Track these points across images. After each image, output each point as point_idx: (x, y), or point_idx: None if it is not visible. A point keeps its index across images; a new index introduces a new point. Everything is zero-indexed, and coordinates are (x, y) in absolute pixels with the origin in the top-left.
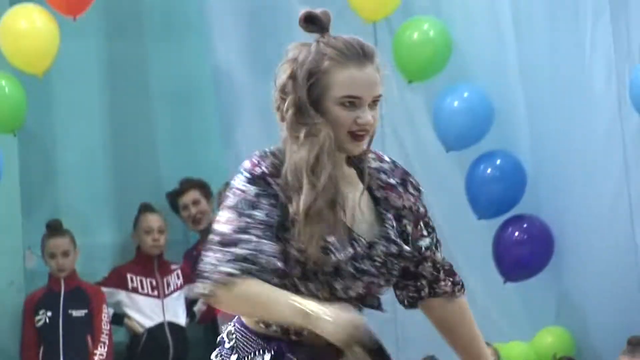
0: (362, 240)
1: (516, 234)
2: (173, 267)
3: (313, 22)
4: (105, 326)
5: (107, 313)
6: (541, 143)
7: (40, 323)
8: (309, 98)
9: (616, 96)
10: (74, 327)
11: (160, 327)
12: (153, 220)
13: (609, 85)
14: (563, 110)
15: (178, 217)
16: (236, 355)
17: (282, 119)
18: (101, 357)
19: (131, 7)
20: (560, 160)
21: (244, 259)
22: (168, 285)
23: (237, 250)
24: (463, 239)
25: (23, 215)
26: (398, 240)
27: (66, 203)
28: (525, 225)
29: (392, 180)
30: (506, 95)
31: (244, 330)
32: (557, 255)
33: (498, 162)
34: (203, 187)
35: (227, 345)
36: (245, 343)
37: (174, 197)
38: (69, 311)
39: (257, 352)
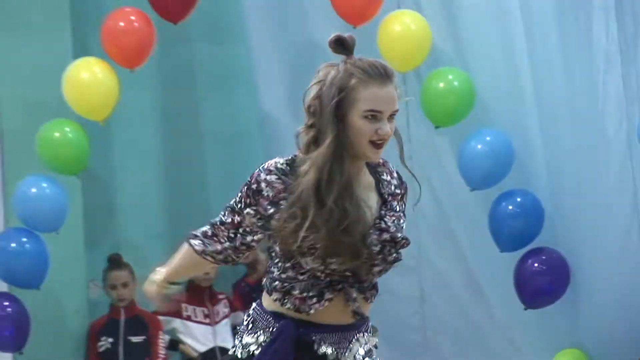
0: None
1: (535, 265)
2: (220, 296)
3: (342, 45)
4: (162, 351)
5: (163, 339)
6: (558, 182)
7: (102, 348)
8: (336, 112)
9: (626, 137)
10: (133, 352)
11: (212, 351)
12: None
13: (620, 126)
14: (578, 151)
15: None
16: (251, 331)
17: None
18: None
19: (185, 60)
20: (575, 197)
21: (194, 236)
22: (217, 313)
23: (205, 231)
24: (487, 269)
25: (86, 250)
26: (391, 227)
27: (125, 238)
28: (543, 257)
29: (398, 191)
30: (526, 138)
31: (259, 309)
32: (573, 283)
33: (518, 199)
34: None
35: (244, 324)
36: (259, 320)
37: None
38: (129, 337)
39: (267, 328)
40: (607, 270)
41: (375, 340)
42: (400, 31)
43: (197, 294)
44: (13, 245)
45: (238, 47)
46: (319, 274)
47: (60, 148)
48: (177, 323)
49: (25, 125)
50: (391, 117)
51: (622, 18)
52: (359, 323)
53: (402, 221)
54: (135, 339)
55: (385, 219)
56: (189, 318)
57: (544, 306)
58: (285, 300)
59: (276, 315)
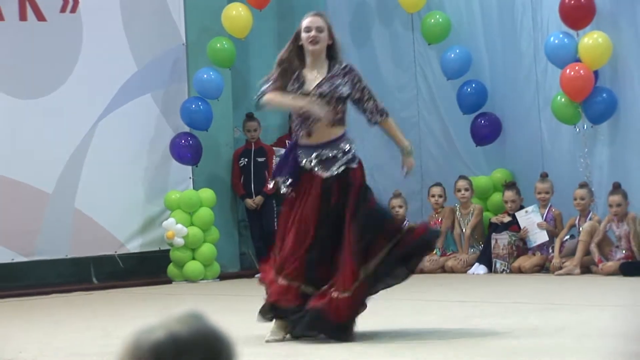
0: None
1: (482, 121)
2: None
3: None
4: (274, 167)
5: (275, 160)
6: (495, 74)
7: (242, 164)
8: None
9: (533, 51)
10: (259, 167)
11: None
12: None
13: (530, 44)
14: (507, 58)
15: None
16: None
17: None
18: (272, 183)
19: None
20: (504, 83)
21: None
22: None
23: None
24: (455, 125)
25: (233, 109)
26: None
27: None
28: (487, 117)
29: (343, 71)
30: (478, 49)
31: (294, 145)
32: (503, 133)
33: (473, 85)
34: None
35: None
36: (287, 149)
37: None
38: (256, 158)
39: (300, 156)
40: (522, 125)
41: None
42: None
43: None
44: (193, 106)
45: None
46: (295, 118)
47: (219, 52)
48: (282, 151)
49: (201, 39)
50: (317, 30)
51: None
52: (328, 142)
53: (339, 85)
54: (259, 159)
55: (323, 84)
56: None
57: (486, 144)
58: (294, 135)
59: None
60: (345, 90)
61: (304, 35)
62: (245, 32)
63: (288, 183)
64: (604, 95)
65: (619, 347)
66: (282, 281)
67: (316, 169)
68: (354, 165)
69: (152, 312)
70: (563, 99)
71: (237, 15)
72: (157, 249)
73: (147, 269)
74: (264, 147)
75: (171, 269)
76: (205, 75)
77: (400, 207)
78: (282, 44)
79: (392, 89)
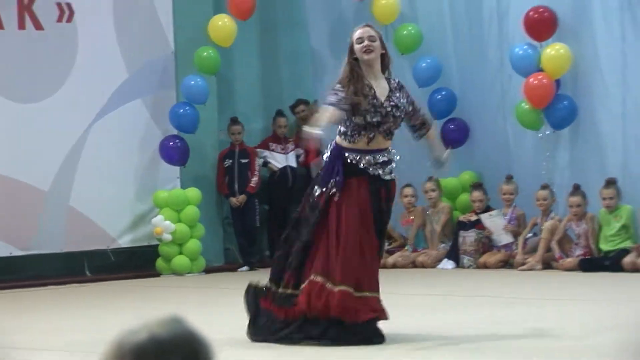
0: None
1: (451, 126)
2: (290, 139)
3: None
4: (256, 167)
5: (257, 162)
6: (464, 82)
7: (226, 165)
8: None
9: (499, 61)
10: (242, 168)
11: (284, 168)
12: (282, 121)
13: (497, 56)
14: (475, 66)
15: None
16: (330, 160)
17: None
18: (254, 182)
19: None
20: (465, 89)
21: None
22: (287, 148)
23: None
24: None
25: (218, 113)
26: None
27: (239, 109)
28: (455, 123)
29: (398, 86)
30: (448, 59)
31: (335, 146)
32: (470, 137)
33: (443, 92)
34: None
35: (326, 155)
36: (335, 153)
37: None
38: (240, 159)
39: (339, 157)
40: (488, 130)
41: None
42: (384, 3)
43: (277, 138)
44: (181, 110)
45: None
46: (361, 123)
47: (206, 60)
48: (266, 153)
49: (189, 48)
50: (369, 39)
51: None
52: (381, 149)
53: (402, 100)
54: (243, 161)
55: (392, 97)
56: (273, 150)
57: (455, 148)
58: (344, 137)
59: (338, 147)
60: (406, 104)
61: (357, 47)
62: (229, 42)
63: (336, 182)
64: (565, 102)
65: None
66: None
67: (371, 169)
68: (395, 177)
69: (140, 302)
70: (526, 106)
71: (222, 26)
72: (146, 244)
73: (137, 262)
74: (247, 149)
75: (159, 262)
76: (192, 82)
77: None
78: (265, 53)
79: None
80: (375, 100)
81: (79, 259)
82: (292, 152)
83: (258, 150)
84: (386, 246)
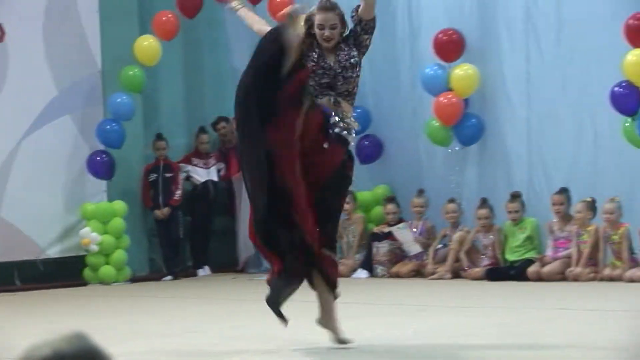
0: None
1: (366, 142)
2: (211, 154)
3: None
4: (180, 181)
5: (181, 175)
6: (378, 103)
7: (151, 179)
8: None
9: (411, 81)
10: (166, 182)
11: (206, 182)
12: (204, 138)
13: (409, 76)
14: (388, 86)
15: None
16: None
17: None
18: (178, 195)
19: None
20: (385, 108)
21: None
22: (209, 163)
23: None
24: None
25: (144, 130)
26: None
27: (165, 124)
28: (370, 139)
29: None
30: (364, 79)
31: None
32: (384, 153)
33: (359, 110)
34: (227, 120)
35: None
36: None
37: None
38: (164, 174)
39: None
40: (401, 146)
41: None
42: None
43: (200, 154)
44: (108, 127)
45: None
46: (316, 87)
47: (131, 79)
48: (189, 167)
49: (115, 67)
50: (331, 27)
51: None
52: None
53: (352, 53)
54: (167, 175)
55: (340, 57)
56: (196, 165)
57: (370, 163)
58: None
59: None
60: (354, 53)
61: (317, 31)
62: (154, 61)
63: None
64: (473, 120)
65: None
66: None
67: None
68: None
69: (68, 310)
70: (436, 124)
71: (147, 46)
72: (74, 254)
73: (65, 272)
74: (171, 163)
75: (87, 272)
76: (118, 99)
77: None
78: (189, 72)
79: None
80: (324, 63)
81: (9, 269)
82: (213, 167)
83: (181, 165)
84: None
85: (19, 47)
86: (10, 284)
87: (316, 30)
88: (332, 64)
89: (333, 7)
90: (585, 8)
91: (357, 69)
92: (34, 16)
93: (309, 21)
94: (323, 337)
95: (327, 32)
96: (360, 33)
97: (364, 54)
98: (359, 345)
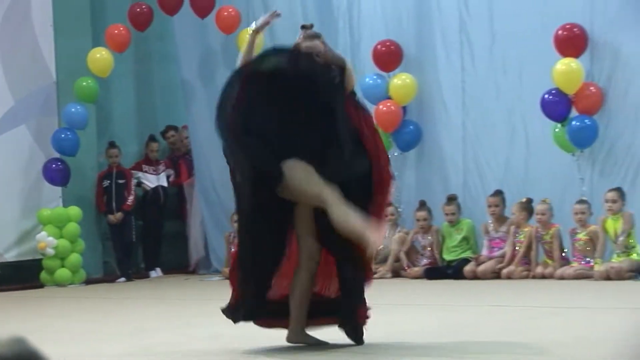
0: None
1: None
2: (161, 162)
3: (303, 27)
4: (132, 187)
5: (133, 182)
6: None
7: (105, 185)
8: None
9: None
10: (119, 188)
11: (157, 187)
12: (154, 146)
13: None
14: None
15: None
16: None
17: None
18: (130, 201)
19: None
20: None
21: None
22: (158, 169)
23: None
24: None
25: (97, 139)
26: None
27: (117, 133)
28: None
29: None
30: None
31: None
32: None
33: None
34: (176, 129)
35: None
36: None
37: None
38: (117, 180)
39: None
40: None
41: None
42: None
43: (150, 161)
44: (62, 135)
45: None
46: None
47: (85, 89)
48: (140, 174)
49: (69, 78)
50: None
51: None
52: None
53: None
54: (120, 181)
55: None
56: (146, 171)
57: None
58: None
59: None
60: None
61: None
62: (107, 72)
63: None
64: (411, 127)
65: None
66: None
67: None
68: None
69: (25, 311)
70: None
71: (100, 58)
72: (31, 258)
73: (22, 275)
74: (123, 170)
75: (43, 275)
76: (72, 109)
77: None
78: (140, 84)
79: None
80: None
81: None
82: (163, 173)
83: (133, 171)
84: None
85: None
86: None
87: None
88: None
89: (318, 36)
90: (516, 20)
91: None
92: None
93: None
94: (274, 336)
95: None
96: None
97: None
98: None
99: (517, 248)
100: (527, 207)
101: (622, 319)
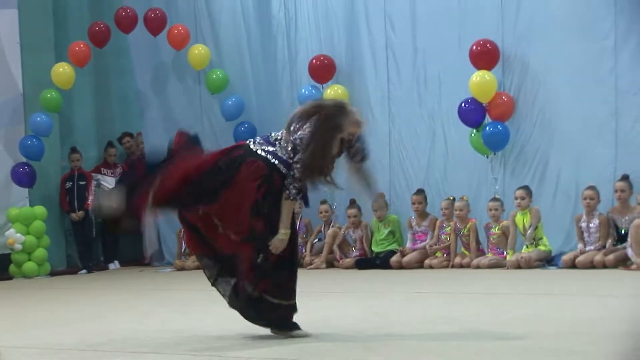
0: None
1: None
2: (118, 165)
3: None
4: (92, 188)
5: (93, 183)
6: (264, 116)
7: (67, 186)
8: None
9: (291, 99)
10: (80, 189)
11: (114, 188)
12: (112, 151)
13: (289, 95)
14: (273, 109)
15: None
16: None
17: None
18: (90, 200)
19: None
20: (271, 124)
21: None
22: (115, 172)
23: None
24: None
25: (61, 145)
26: None
27: (79, 140)
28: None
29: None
30: (248, 94)
31: None
32: None
33: (246, 125)
34: (132, 135)
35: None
36: None
37: (119, 139)
38: (79, 182)
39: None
40: None
41: None
42: (197, 53)
43: (109, 165)
44: (29, 142)
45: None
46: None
47: (49, 101)
48: (99, 176)
49: (35, 90)
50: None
51: None
52: None
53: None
54: (81, 183)
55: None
56: (105, 174)
57: None
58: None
59: None
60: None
61: (350, 137)
62: (69, 85)
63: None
64: None
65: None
66: None
67: None
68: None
69: None
70: None
71: (63, 72)
72: (1, 253)
73: None
74: (84, 173)
75: (12, 268)
76: (38, 118)
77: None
78: (99, 95)
79: (183, 128)
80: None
81: None
82: (120, 176)
83: (93, 174)
84: None
85: None
86: None
87: (349, 137)
88: None
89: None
90: (435, 37)
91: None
92: None
93: None
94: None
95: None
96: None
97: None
98: (245, 327)
99: (443, 238)
100: (453, 204)
101: (532, 303)
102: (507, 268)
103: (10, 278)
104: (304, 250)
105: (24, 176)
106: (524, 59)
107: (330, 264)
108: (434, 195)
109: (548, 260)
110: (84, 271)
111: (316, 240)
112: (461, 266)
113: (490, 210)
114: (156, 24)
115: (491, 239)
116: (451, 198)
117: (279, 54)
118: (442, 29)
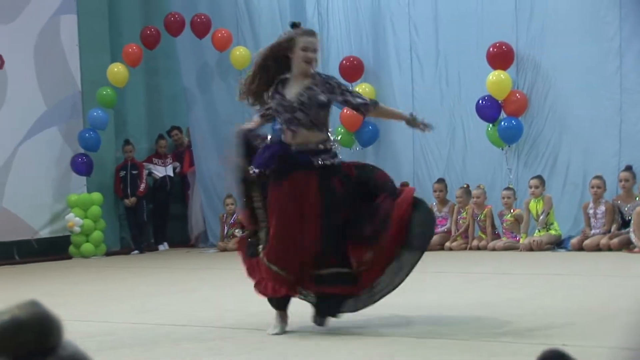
0: (295, 100)
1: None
2: (168, 155)
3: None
4: (144, 177)
5: (144, 172)
6: None
7: (121, 175)
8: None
9: None
10: (133, 177)
11: (164, 177)
12: (162, 143)
13: None
14: None
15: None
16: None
17: None
18: (142, 188)
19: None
20: None
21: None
22: (166, 162)
23: None
24: None
25: (116, 139)
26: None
27: (131, 134)
28: None
29: (322, 80)
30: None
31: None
32: None
33: None
34: (180, 129)
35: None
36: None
37: (168, 133)
38: (131, 171)
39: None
40: None
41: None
42: (239, 54)
43: (159, 155)
44: (87, 135)
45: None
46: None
47: (105, 97)
48: (151, 165)
49: (92, 88)
50: (314, 51)
51: None
52: (311, 142)
53: (318, 96)
54: (133, 172)
55: (304, 93)
56: (156, 163)
57: None
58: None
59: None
60: (323, 97)
61: (300, 53)
62: (123, 83)
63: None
64: (370, 127)
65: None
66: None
67: (314, 161)
68: (337, 161)
69: (56, 279)
70: (342, 130)
71: (117, 71)
72: (61, 234)
73: (54, 249)
74: (136, 163)
75: (72, 249)
76: (95, 113)
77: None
78: (150, 93)
79: (226, 123)
80: (283, 101)
81: (9, 247)
82: (170, 165)
83: (145, 164)
84: None
85: (15, 73)
86: (11, 259)
87: (299, 53)
88: (291, 100)
89: (315, 33)
90: (456, 39)
91: (327, 109)
92: (27, 48)
93: (281, 46)
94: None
95: (310, 54)
96: (336, 92)
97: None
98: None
99: (461, 223)
100: (468, 191)
101: (543, 282)
102: (521, 250)
103: (69, 258)
104: None
105: (82, 166)
106: (536, 60)
107: None
108: (453, 184)
109: (558, 244)
110: (136, 252)
111: None
112: (478, 248)
113: (504, 198)
114: (201, 27)
115: (504, 225)
116: (465, 186)
117: None
118: (462, 32)
